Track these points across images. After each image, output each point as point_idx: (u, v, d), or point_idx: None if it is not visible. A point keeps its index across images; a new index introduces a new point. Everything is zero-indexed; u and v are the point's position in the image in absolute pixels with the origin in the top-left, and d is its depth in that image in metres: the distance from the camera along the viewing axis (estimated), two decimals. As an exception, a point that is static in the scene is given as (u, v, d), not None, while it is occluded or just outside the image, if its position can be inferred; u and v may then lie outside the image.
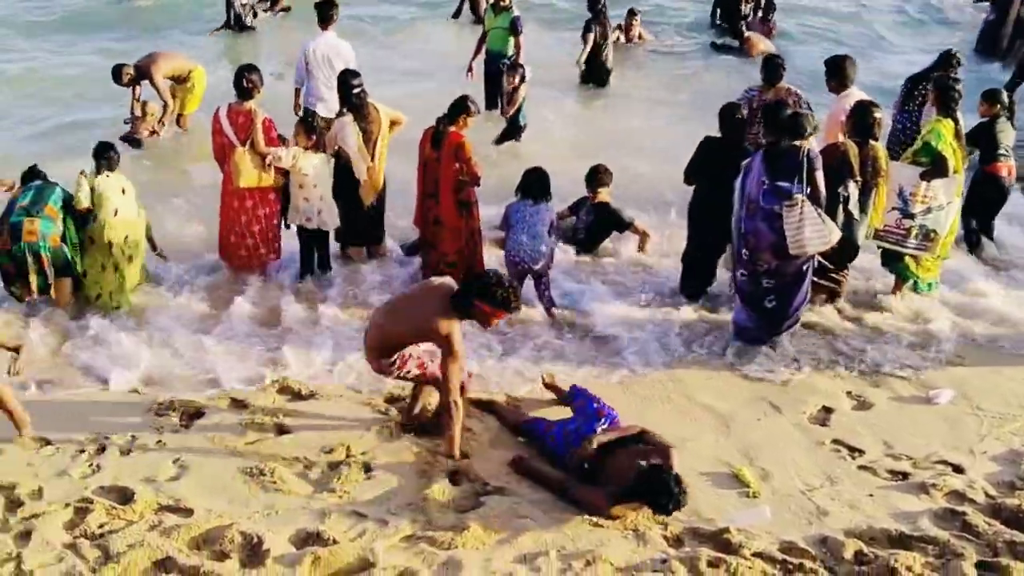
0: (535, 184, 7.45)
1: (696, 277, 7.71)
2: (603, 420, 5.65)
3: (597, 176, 8.29)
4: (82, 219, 7.34)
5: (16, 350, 5.71)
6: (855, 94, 7.78)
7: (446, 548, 4.81)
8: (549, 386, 6.40)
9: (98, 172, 7.36)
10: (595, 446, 5.42)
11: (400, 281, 7.94)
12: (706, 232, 7.49)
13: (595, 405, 5.79)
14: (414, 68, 12.95)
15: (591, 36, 12.27)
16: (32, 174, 7.65)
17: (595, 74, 12.52)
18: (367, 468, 5.52)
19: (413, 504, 5.17)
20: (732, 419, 6.25)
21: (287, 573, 4.59)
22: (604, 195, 8.32)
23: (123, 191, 7.39)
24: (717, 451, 5.88)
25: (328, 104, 9.39)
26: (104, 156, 7.42)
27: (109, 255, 7.34)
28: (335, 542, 4.81)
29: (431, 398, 5.98)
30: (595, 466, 5.37)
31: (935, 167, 7.29)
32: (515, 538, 4.89)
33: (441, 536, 4.88)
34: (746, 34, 14.30)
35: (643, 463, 5.15)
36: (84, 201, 7.27)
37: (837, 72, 7.94)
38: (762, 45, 13.94)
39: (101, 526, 4.90)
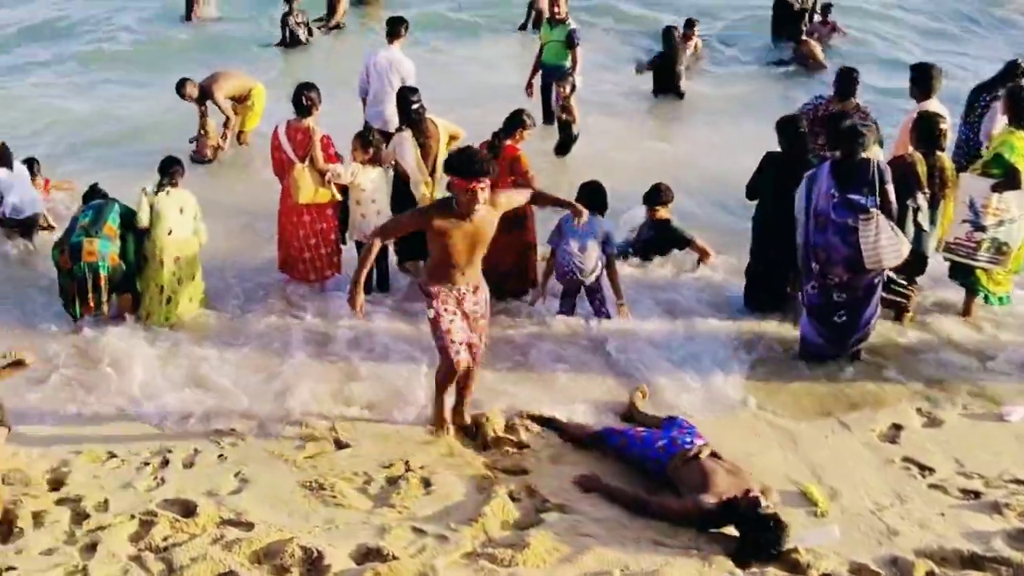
0: (589, 196, 7.43)
1: (762, 291, 7.60)
2: (703, 440, 5.58)
3: (659, 194, 8.22)
4: (141, 236, 7.46)
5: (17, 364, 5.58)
6: (933, 105, 7.61)
7: (507, 565, 4.75)
8: (634, 400, 6.37)
9: (159, 188, 7.45)
10: (708, 453, 5.36)
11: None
12: (769, 247, 7.38)
13: (696, 429, 5.74)
14: (469, 81, 12.99)
15: (651, 66, 12.70)
16: (93, 192, 7.79)
17: (666, 89, 12.60)
18: (426, 483, 5.50)
19: (473, 520, 5.12)
20: (799, 436, 6.13)
21: (348, 589, 4.58)
22: (664, 212, 8.25)
23: (180, 211, 7.46)
24: (784, 468, 5.77)
25: (385, 116, 9.46)
26: (169, 171, 7.49)
27: (160, 273, 7.43)
28: (395, 558, 4.77)
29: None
30: (687, 476, 5.28)
31: (1007, 179, 7.08)
32: (577, 556, 4.81)
33: (501, 553, 4.82)
34: (803, 36, 14.17)
35: (755, 495, 5.04)
36: (144, 220, 7.37)
37: (923, 80, 7.77)
38: (819, 52, 13.79)
39: (165, 539, 4.93)
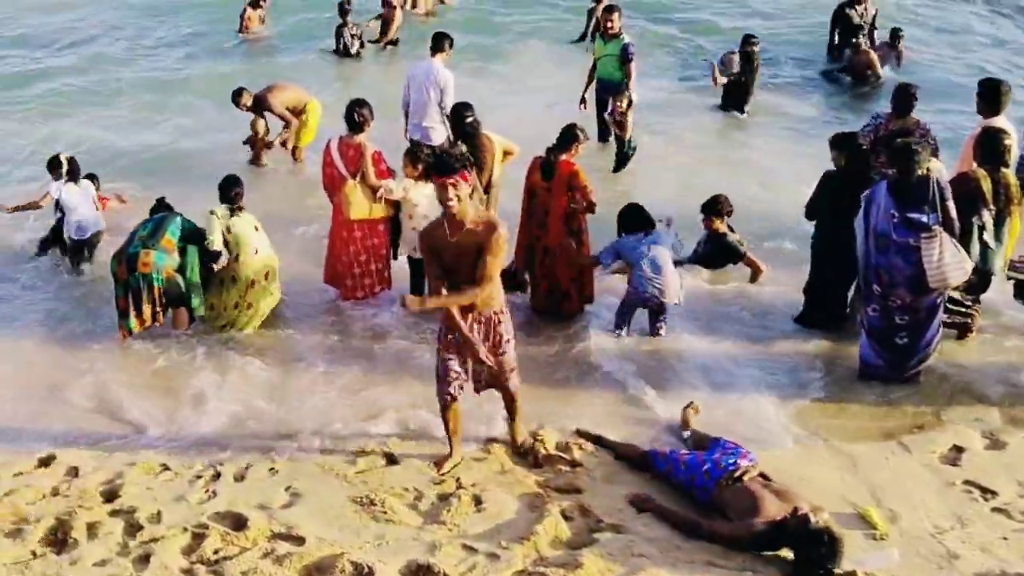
0: (630, 219, 7.39)
1: (819, 310, 7.47)
2: (747, 460, 5.49)
3: (717, 205, 8.13)
4: (209, 256, 7.53)
5: None
6: (1000, 122, 7.44)
7: (559, 585, 4.69)
8: (686, 417, 6.30)
9: (231, 212, 7.48)
10: (756, 474, 5.29)
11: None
12: (826, 266, 7.28)
13: (741, 449, 5.64)
14: (520, 97, 12.98)
15: (726, 80, 12.66)
16: (159, 205, 7.86)
17: (733, 105, 12.55)
18: (477, 500, 5.45)
19: (524, 538, 5.06)
20: (859, 458, 6.01)
21: (399, 605, 4.55)
22: (720, 225, 8.16)
23: (256, 228, 7.57)
24: (843, 490, 5.66)
25: (421, 127, 9.46)
26: (231, 194, 7.48)
27: (250, 291, 7.55)
28: (445, 575, 4.74)
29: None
30: (735, 500, 5.20)
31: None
32: (631, 576, 4.75)
33: (553, 572, 4.75)
34: (862, 47, 13.96)
35: (805, 512, 4.93)
36: (217, 243, 7.43)
37: (991, 96, 7.57)
38: (877, 63, 13.58)
39: (216, 552, 4.94)
